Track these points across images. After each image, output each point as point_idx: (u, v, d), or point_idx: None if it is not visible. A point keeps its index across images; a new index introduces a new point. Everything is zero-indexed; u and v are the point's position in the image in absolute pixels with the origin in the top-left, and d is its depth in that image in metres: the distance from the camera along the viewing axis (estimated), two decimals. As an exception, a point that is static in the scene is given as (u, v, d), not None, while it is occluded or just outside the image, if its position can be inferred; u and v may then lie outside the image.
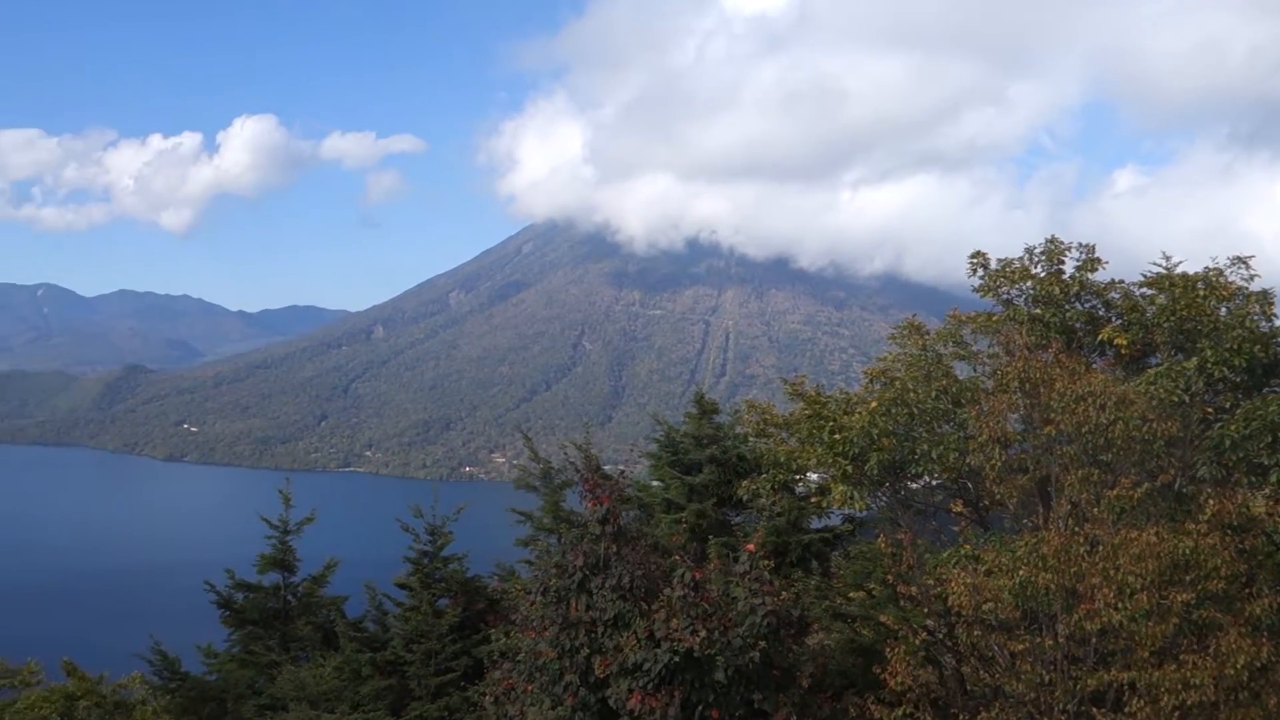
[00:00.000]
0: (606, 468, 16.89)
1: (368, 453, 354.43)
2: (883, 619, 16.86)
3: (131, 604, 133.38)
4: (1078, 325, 17.21)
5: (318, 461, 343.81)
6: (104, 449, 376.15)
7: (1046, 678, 13.02)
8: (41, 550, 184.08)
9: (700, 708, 11.56)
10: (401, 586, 20.19)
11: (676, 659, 11.36)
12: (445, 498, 21.17)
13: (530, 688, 12.43)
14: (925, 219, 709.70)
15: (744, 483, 18.99)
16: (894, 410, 16.30)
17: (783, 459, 18.52)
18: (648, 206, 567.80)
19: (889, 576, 15.88)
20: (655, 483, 22.15)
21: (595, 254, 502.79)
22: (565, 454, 19.40)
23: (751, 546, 12.76)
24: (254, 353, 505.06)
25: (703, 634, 11.50)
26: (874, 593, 18.17)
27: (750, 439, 21.27)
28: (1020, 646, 13.18)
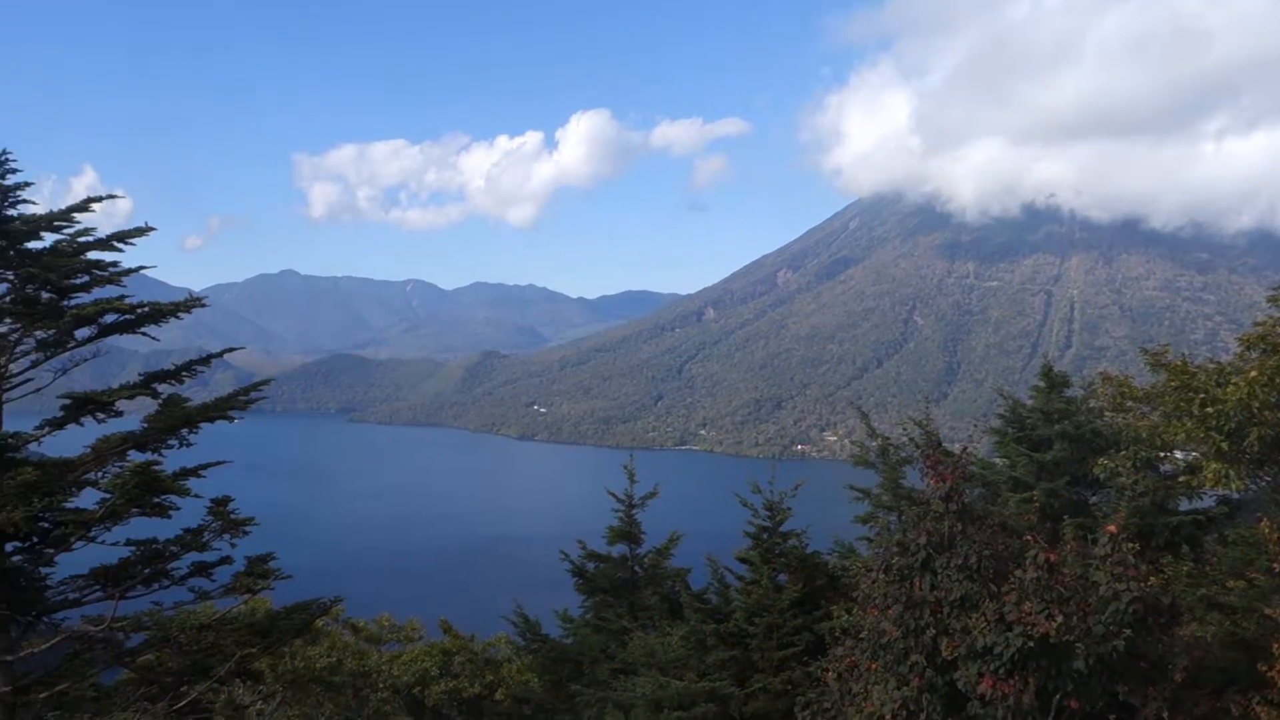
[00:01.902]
0: (946, 445, 16.38)
1: (702, 431, 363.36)
2: (1268, 612, 15.22)
3: (495, 570, 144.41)
4: None
5: (655, 440, 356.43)
6: (466, 429, 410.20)
7: None
8: (418, 521, 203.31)
9: (1058, 697, 10.97)
10: (742, 560, 20.56)
11: (1031, 644, 10.82)
12: (780, 475, 21.33)
13: (874, 666, 12.28)
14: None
15: (1100, 460, 17.76)
16: (1278, 380, 14.64)
17: (1144, 435, 17.17)
18: (980, 173, 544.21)
19: (1276, 565, 14.32)
20: (1000, 460, 21.20)
21: (925, 226, 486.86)
22: (904, 430, 18.99)
23: (1113, 528, 11.90)
24: (594, 337, 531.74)
25: (1059, 619, 10.89)
26: (1257, 582, 16.43)
27: (1106, 414, 19.87)
28: None
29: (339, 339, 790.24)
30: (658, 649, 18.27)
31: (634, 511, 23.26)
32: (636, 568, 23.44)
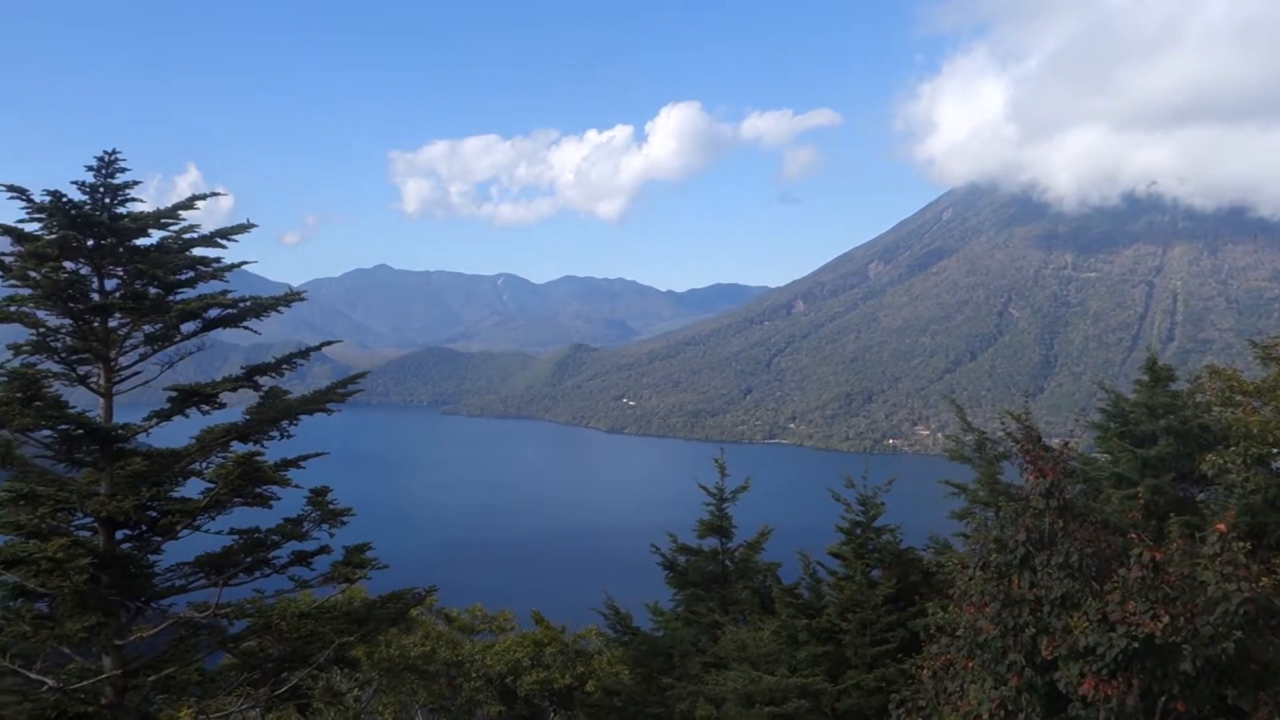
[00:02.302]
0: (1044, 440, 15.96)
1: (791, 425, 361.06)
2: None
3: (584, 562, 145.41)
4: None
5: (744, 433, 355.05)
6: (555, 421, 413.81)
7: None
8: (509, 512, 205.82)
9: (1163, 700, 10.62)
10: (835, 555, 20.36)
11: (1135, 645, 10.50)
12: (872, 470, 21.06)
13: (971, 664, 12.04)
14: None
15: (1208, 456, 17.13)
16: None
17: (1256, 430, 16.51)
18: (1078, 162, 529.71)
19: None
20: (1101, 456, 20.59)
21: (1021, 216, 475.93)
22: (1001, 425, 18.57)
23: (1223, 526, 11.46)
24: (683, 330, 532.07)
25: (1165, 620, 10.54)
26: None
27: (1214, 408, 19.16)
28: None
29: (431, 332, 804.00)
30: (749, 643, 18.19)
31: (725, 505, 23.17)
32: (727, 561, 23.37)
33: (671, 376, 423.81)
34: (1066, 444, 13.57)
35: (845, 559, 19.91)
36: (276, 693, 15.19)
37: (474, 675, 26.28)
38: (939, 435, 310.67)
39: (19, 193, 13.92)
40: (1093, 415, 21.59)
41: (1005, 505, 14.82)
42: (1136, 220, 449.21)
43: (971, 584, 12.36)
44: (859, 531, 20.07)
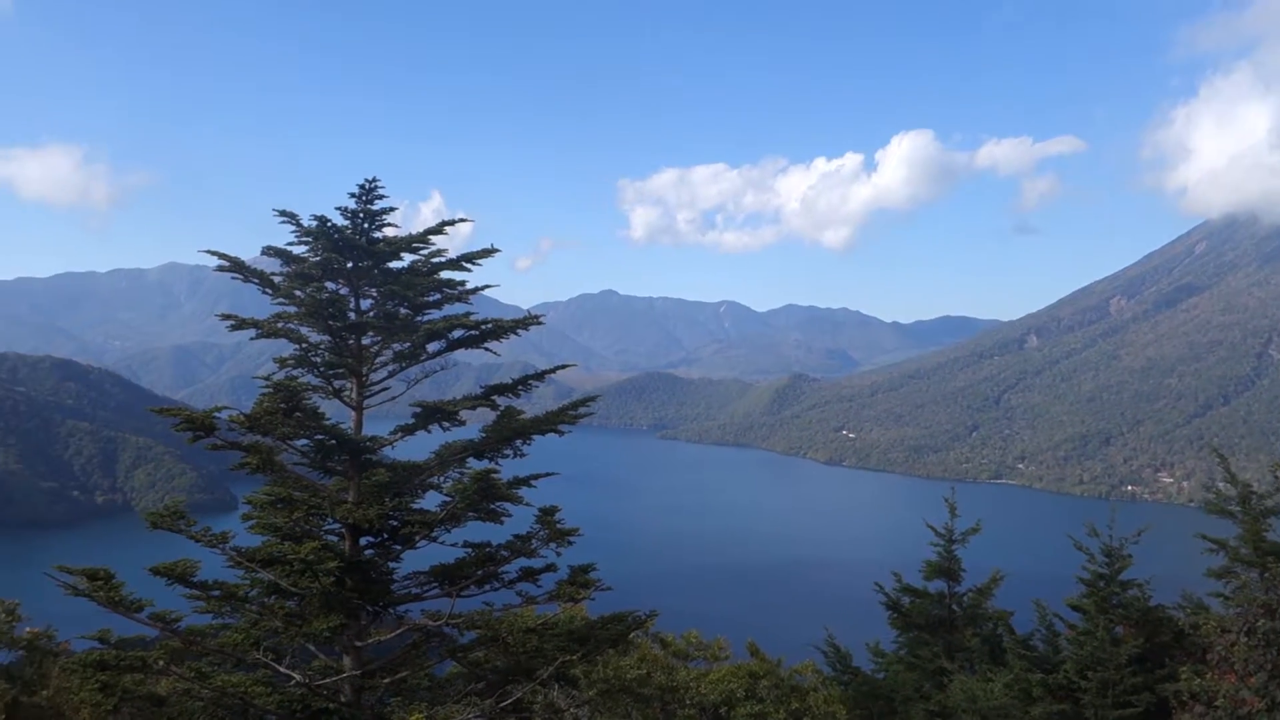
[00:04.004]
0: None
1: (1020, 465, 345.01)
2: None
3: (799, 593, 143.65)
4: None
5: (968, 471, 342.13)
6: (773, 450, 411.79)
7: None
8: (725, 538, 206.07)
9: None
10: (1074, 608, 19.14)
11: None
12: (1106, 517, 19.67)
13: (1233, 740, 11.01)
14: None
15: None
16: None
17: None
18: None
19: None
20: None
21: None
22: (1275, 476, 16.96)
23: None
24: (907, 362, 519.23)
25: None
26: None
27: None
28: None
29: (653, 357, 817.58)
30: (979, 695, 17.30)
31: (954, 547, 22.23)
32: (954, 606, 22.39)
33: (893, 410, 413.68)
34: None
35: (1086, 612, 18.65)
36: (501, 705, 15.57)
37: (688, 702, 26.17)
38: (1185, 484, 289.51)
39: (289, 217, 15.01)
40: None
41: (1274, 566, 13.57)
42: None
43: (1234, 650, 11.35)
44: (1102, 584, 18.79)
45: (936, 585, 22.50)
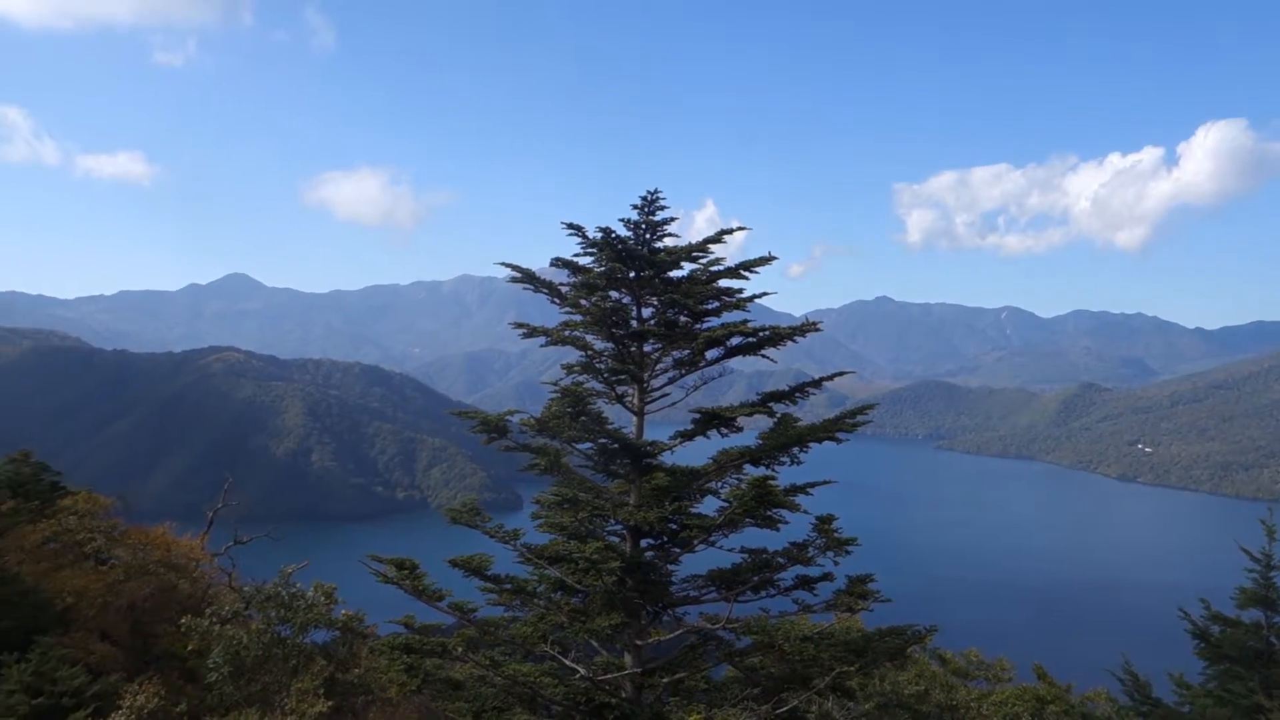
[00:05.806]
0: None
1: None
2: None
3: (1088, 615, 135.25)
4: None
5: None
6: (1059, 464, 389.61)
7: None
8: (1008, 554, 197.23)
9: None
10: None
11: None
12: None
13: None
14: None
15: None
16: None
17: None
18: None
19: None
20: None
21: None
22: None
23: None
24: (1213, 372, 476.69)
25: None
26: None
27: None
28: None
29: (929, 366, 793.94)
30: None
31: (1272, 574, 20.21)
32: (1273, 638, 20.33)
33: (1197, 423, 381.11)
34: None
35: None
36: (777, 712, 15.58)
37: (969, 724, 25.24)
38: None
39: (576, 230, 15.70)
40: None
41: None
42: None
43: None
44: None
45: (1252, 614, 20.50)
